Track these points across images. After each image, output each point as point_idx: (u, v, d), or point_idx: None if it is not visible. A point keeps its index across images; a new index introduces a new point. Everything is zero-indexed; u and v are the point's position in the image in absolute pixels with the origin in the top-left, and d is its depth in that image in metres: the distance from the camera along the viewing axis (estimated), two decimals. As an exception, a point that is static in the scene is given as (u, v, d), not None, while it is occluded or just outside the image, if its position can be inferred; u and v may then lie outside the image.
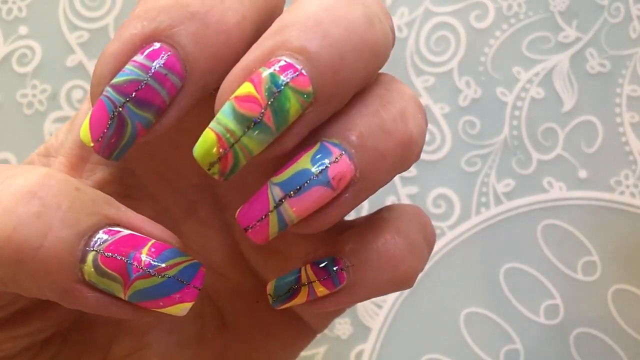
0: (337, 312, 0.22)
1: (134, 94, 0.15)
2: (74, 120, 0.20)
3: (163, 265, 0.15)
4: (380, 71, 0.18)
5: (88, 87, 0.34)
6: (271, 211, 0.16)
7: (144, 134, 0.16)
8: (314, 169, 0.16)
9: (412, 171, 0.35)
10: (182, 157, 0.20)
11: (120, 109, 0.15)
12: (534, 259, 0.35)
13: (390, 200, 0.35)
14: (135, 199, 0.20)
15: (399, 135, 0.16)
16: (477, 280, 0.35)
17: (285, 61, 0.15)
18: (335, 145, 0.16)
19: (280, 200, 0.16)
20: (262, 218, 0.16)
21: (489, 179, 0.35)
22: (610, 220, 0.35)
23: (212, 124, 0.15)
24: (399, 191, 0.35)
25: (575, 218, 0.35)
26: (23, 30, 0.34)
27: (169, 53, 0.15)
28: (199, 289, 0.16)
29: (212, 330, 0.22)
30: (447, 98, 0.35)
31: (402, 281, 0.18)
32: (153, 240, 0.16)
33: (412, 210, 0.19)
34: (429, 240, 0.19)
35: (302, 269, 0.18)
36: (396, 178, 0.35)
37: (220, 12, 0.16)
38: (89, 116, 0.16)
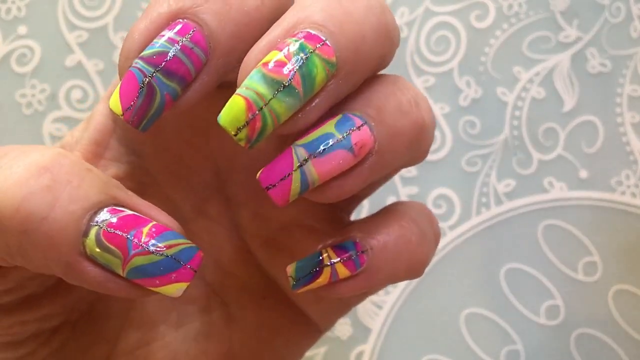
0: (343, 310, 0.23)
1: (163, 64, 0.16)
2: (90, 118, 0.20)
3: (162, 244, 0.16)
4: (382, 72, 0.18)
5: (87, 87, 0.34)
6: (295, 170, 0.16)
7: (171, 106, 0.16)
8: (338, 134, 0.16)
9: (412, 171, 0.35)
10: (195, 155, 0.21)
11: (150, 78, 0.16)
12: (534, 260, 0.35)
13: (390, 200, 0.35)
14: (147, 195, 0.20)
15: (414, 117, 0.17)
16: (477, 280, 0.35)
17: (310, 32, 0.16)
18: (356, 115, 0.17)
19: (305, 160, 0.16)
20: (285, 177, 0.16)
21: (489, 179, 0.35)
22: (611, 220, 0.34)
23: (239, 90, 0.16)
24: (399, 191, 0.35)
25: (575, 218, 0.35)
26: (22, 30, 0.34)
27: (195, 29, 0.16)
28: (195, 271, 0.16)
29: (219, 325, 0.22)
30: (448, 98, 0.35)
31: (416, 268, 0.19)
32: (155, 222, 0.16)
33: (419, 205, 0.20)
34: (436, 234, 0.20)
35: (323, 251, 0.18)
36: (396, 178, 0.35)
37: None
38: (118, 87, 0.16)
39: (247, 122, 0.15)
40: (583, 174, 0.35)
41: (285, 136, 0.17)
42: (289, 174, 0.16)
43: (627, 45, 0.35)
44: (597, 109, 0.35)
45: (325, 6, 0.16)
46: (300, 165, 0.16)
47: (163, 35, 0.16)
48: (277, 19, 0.17)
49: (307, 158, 0.16)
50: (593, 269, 0.34)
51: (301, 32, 0.16)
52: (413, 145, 0.17)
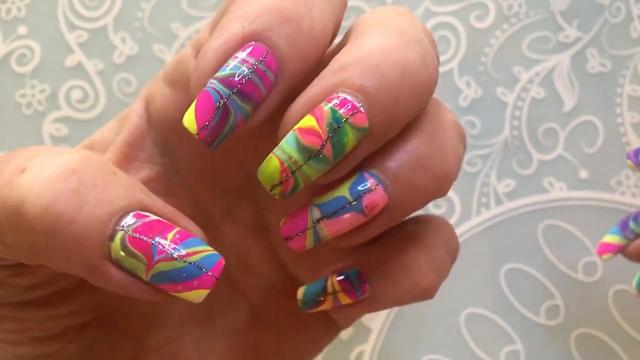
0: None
1: (238, 86, 0.16)
2: (123, 119, 0.21)
3: (185, 251, 0.16)
4: None
5: (87, 87, 0.34)
6: (309, 228, 0.17)
7: (241, 126, 0.17)
8: (350, 197, 0.17)
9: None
10: (227, 161, 0.21)
11: (226, 100, 0.16)
12: (534, 260, 0.35)
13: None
14: (178, 197, 0.21)
15: (435, 171, 0.18)
16: (477, 280, 0.35)
17: (346, 98, 0.16)
18: (372, 175, 0.17)
19: (318, 221, 0.17)
20: (300, 232, 0.18)
21: (489, 179, 0.35)
22: (611, 220, 0.34)
23: (276, 151, 0.17)
24: (399, 191, 0.35)
25: (576, 218, 0.35)
26: (22, 30, 0.34)
27: (267, 52, 0.17)
28: (217, 278, 0.17)
29: (245, 324, 0.23)
30: (448, 98, 0.35)
31: (423, 294, 0.19)
32: (179, 228, 0.17)
33: (437, 223, 0.20)
34: (452, 253, 0.20)
35: (329, 278, 0.19)
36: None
37: (311, 19, 0.17)
38: (193, 106, 0.17)
39: (280, 181, 0.17)
40: (583, 174, 0.35)
41: None
42: (304, 230, 0.17)
43: (627, 45, 0.35)
44: (597, 109, 0.35)
45: (364, 69, 0.16)
46: (314, 225, 0.17)
47: (237, 57, 0.16)
48: (333, 39, 0.18)
49: (320, 219, 0.17)
50: (593, 269, 0.34)
51: (338, 96, 0.16)
52: (432, 196, 0.18)
